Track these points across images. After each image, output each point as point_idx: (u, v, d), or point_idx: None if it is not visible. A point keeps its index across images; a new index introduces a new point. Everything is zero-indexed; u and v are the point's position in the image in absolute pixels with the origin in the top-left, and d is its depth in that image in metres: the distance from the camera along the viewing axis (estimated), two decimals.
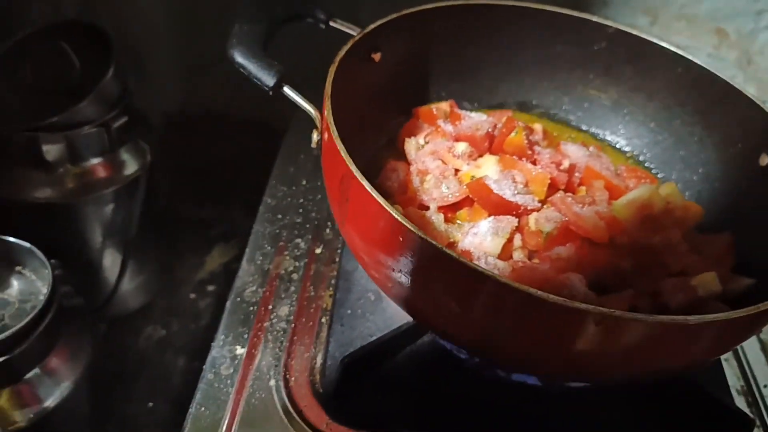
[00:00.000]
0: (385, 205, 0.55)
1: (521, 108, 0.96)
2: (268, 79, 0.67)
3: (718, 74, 0.82)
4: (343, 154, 0.60)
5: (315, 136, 0.69)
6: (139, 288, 1.25)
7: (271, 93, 0.69)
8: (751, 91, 0.78)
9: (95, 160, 1.01)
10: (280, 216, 0.92)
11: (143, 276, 1.25)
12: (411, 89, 0.90)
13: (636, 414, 0.74)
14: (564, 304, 0.50)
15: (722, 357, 0.82)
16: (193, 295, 1.33)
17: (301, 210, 0.94)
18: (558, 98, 0.95)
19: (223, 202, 1.50)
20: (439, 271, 0.55)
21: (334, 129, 0.62)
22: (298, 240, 0.89)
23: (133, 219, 1.08)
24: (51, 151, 0.95)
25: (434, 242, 0.52)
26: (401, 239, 0.55)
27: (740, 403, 0.78)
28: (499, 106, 0.95)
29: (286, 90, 0.68)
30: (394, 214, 0.54)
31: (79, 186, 1.01)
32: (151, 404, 1.13)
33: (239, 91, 1.27)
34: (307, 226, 0.91)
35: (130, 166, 1.06)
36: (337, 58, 0.72)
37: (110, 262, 1.12)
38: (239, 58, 0.68)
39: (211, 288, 1.35)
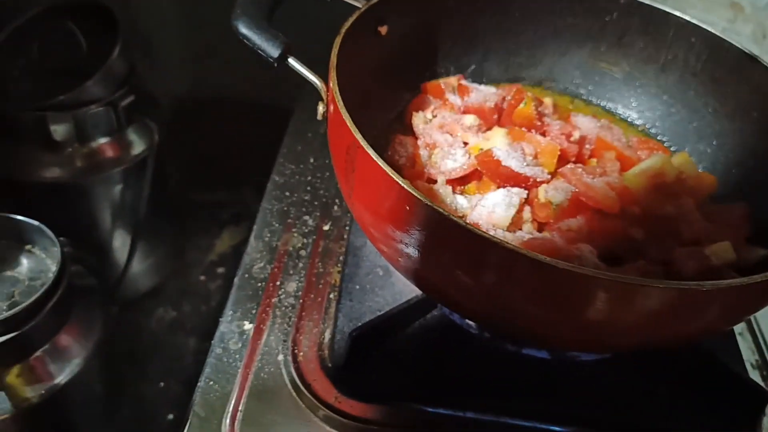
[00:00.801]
0: (391, 174, 0.54)
1: (531, 82, 0.94)
2: (273, 51, 0.66)
3: (733, 42, 0.80)
4: (348, 124, 0.59)
5: (321, 108, 0.68)
6: (149, 270, 1.25)
7: (276, 65, 0.68)
8: None
9: (103, 140, 1.01)
10: (288, 193, 0.92)
11: (154, 258, 1.25)
12: (419, 64, 0.89)
13: (648, 387, 0.73)
14: (573, 270, 0.49)
15: (737, 331, 0.81)
16: (203, 277, 1.33)
17: (309, 188, 0.93)
18: (569, 72, 0.93)
19: (234, 185, 1.50)
20: (447, 239, 0.54)
21: (340, 99, 0.61)
22: (306, 217, 0.88)
23: (142, 199, 1.08)
24: (59, 130, 0.95)
25: (440, 209, 0.51)
26: (408, 208, 0.54)
27: (755, 376, 0.76)
28: (509, 80, 0.93)
29: (291, 61, 0.67)
30: (400, 182, 0.53)
31: (87, 165, 1.01)
32: (162, 384, 1.13)
33: (248, 73, 1.26)
34: (315, 203, 0.91)
35: (138, 146, 1.06)
36: (342, 30, 0.70)
37: (120, 242, 1.13)
38: (243, 29, 0.67)
39: (221, 270, 1.35)
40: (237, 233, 1.43)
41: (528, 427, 0.69)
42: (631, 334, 0.57)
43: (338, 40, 0.69)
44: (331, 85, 0.63)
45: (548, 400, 0.71)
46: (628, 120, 0.91)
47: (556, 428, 0.69)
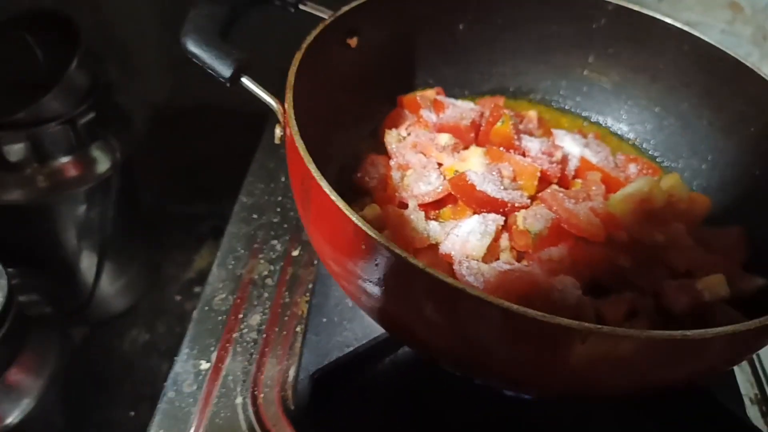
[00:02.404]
0: (343, 208, 0.49)
1: (515, 94, 0.89)
2: (224, 70, 0.61)
3: (728, 51, 0.74)
4: (301, 152, 0.54)
5: (278, 132, 0.63)
6: (122, 289, 1.20)
7: (228, 85, 0.62)
8: (767, 69, 0.71)
9: (64, 159, 0.96)
10: (256, 216, 0.87)
11: (126, 277, 1.20)
12: (395, 76, 0.83)
13: (638, 425, 0.68)
14: (542, 319, 0.43)
15: None
16: (179, 297, 1.28)
17: (279, 209, 0.88)
18: (555, 82, 0.88)
19: (214, 197, 1.44)
20: (405, 281, 0.49)
21: (294, 124, 0.56)
22: (275, 242, 0.83)
23: (108, 218, 1.03)
24: (13, 150, 0.90)
25: (394, 248, 0.46)
26: (363, 246, 0.49)
27: (753, 412, 0.71)
28: (492, 92, 0.88)
29: (245, 81, 0.62)
30: (353, 219, 0.48)
31: (48, 186, 0.96)
32: (133, 413, 1.08)
33: None
34: (285, 226, 0.86)
35: (102, 164, 1.01)
36: (304, 45, 0.65)
37: (87, 264, 1.08)
38: (192, 47, 0.61)
39: (197, 289, 1.30)
40: (216, 249, 1.37)
41: None
42: (610, 383, 0.52)
43: (297, 57, 0.63)
44: (286, 107, 0.58)
45: None
46: (618, 133, 0.86)
47: None
